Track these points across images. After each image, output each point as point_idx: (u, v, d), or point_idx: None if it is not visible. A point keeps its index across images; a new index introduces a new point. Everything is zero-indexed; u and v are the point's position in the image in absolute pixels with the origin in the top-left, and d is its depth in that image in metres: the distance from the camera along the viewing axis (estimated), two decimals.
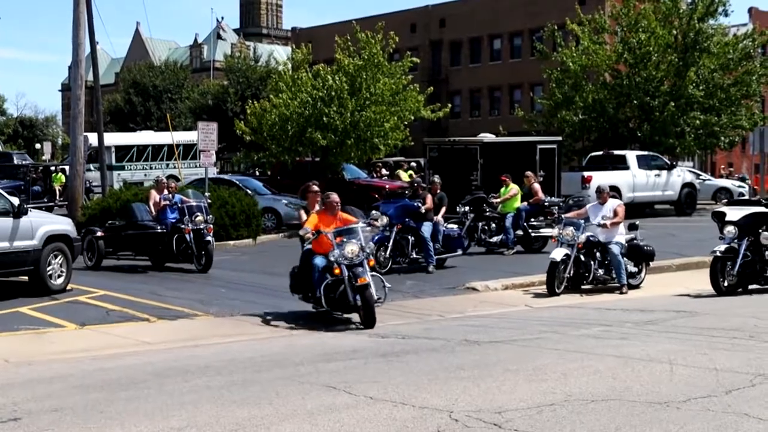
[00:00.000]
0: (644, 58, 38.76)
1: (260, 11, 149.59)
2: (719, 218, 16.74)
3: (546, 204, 23.63)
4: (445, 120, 50.23)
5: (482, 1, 72.29)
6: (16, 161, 48.02)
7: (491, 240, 23.09)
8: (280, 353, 11.39)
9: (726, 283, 16.02)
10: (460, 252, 20.75)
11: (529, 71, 63.64)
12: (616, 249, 16.71)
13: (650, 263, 17.80)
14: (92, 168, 40.69)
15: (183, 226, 20.11)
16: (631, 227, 17.63)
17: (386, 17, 56.07)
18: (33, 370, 10.56)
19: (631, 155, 35.36)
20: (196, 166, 40.47)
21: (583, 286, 16.93)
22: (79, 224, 22.44)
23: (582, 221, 16.82)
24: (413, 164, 38.86)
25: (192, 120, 60.70)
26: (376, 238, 18.91)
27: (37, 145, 74.07)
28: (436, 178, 22.47)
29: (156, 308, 15.28)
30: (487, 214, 23.37)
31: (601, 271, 16.93)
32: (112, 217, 24.73)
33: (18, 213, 16.15)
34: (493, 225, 23.23)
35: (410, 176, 33.38)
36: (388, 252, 19.23)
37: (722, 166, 63.62)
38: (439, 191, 20.99)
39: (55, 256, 16.91)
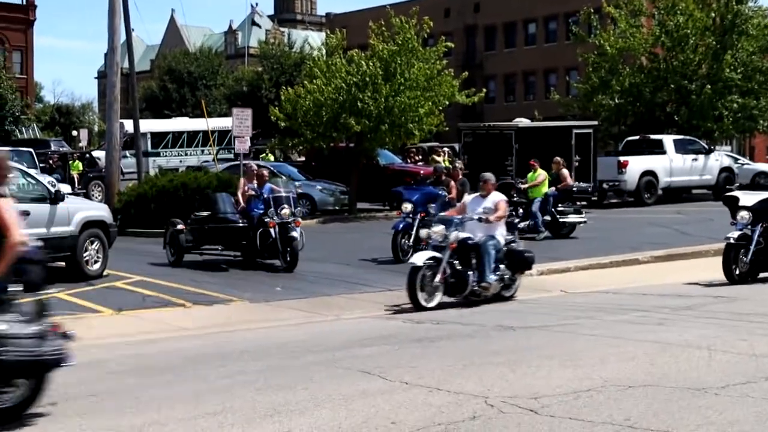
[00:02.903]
0: (681, 41, 38.34)
1: None
2: (731, 203, 15.95)
3: (574, 189, 23.43)
4: (479, 105, 49.87)
5: None
6: (53, 148, 48.35)
7: (519, 226, 22.85)
8: (314, 338, 11.40)
9: (738, 271, 15.26)
10: None
11: (564, 55, 63.14)
12: (490, 244, 14.05)
13: (526, 272, 15.21)
14: (128, 154, 40.91)
15: (267, 219, 18.17)
16: (510, 227, 15.34)
17: (420, 2, 55.71)
18: None
19: (668, 139, 34.99)
20: (230, 151, 40.65)
21: (460, 296, 13.99)
22: (115, 210, 22.58)
23: (456, 218, 14.24)
24: (446, 149, 38.62)
25: (227, 106, 60.80)
26: (401, 225, 18.79)
27: (74, 132, 74.62)
28: (458, 164, 22.30)
29: (191, 294, 15.36)
30: (515, 199, 23.15)
31: (475, 285, 13.97)
32: (147, 203, 24.87)
33: (55, 199, 16.29)
34: (521, 210, 23.01)
35: (450, 162, 33.24)
36: (411, 240, 18.74)
37: None
38: (461, 177, 20.67)
39: (92, 242, 17.03)
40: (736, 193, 16.83)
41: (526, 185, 23.26)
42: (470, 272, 13.86)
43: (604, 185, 32.63)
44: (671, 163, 33.79)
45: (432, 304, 13.52)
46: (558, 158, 24.36)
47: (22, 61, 78.69)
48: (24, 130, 67.70)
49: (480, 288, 13.93)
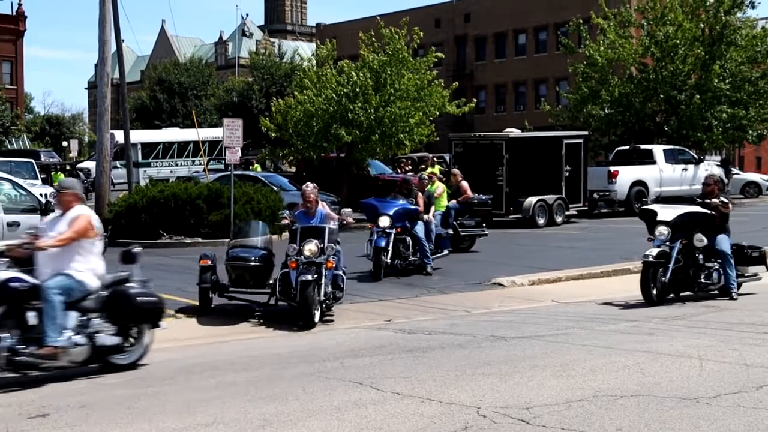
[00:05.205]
0: (671, 51, 38.52)
1: (285, 8, 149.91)
2: (649, 218, 15.03)
3: (475, 202, 22.96)
4: (470, 115, 50.12)
5: None
6: (43, 159, 48.29)
7: None
8: (305, 349, 11.38)
9: (656, 291, 14.37)
10: (446, 252, 19.96)
11: (554, 66, 63.39)
12: (52, 287, 9.58)
13: (160, 325, 10.75)
14: (118, 165, 40.85)
15: (289, 256, 14.14)
16: (127, 258, 10.65)
17: (410, 12, 56.02)
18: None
19: (658, 149, 35.11)
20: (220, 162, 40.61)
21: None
22: (105, 221, 22.50)
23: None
24: (426, 158, 38.50)
25: (217, 117, 60.86)
26: (383, 242, 17.73)
27: (64, 143, 74.54)
28: (424, 175, 21.95)
29: (181, 304, 15.28)
30: None
31: (28, 350, 9.40)
32: (138, 214, 24.76)
33: (45, 210, 16.27)
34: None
35: (440, 171, 33.26)
36: (389, 256, 18.00)
37: None
38: (427, 188, 20.11)
39: None
40: (653, 206, 15.83)
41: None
42: (7, 333, 9.35)
43: (595, 195, 32.72)
44: (661, 173, 33.89)
45: None
46: (456, 170, 24.10)
47: (11, 72, 78.70)
48: (14, 141, 67.63)
49: (34, 358, 9.39)
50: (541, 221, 28.70)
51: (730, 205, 15.33)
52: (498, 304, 15.40)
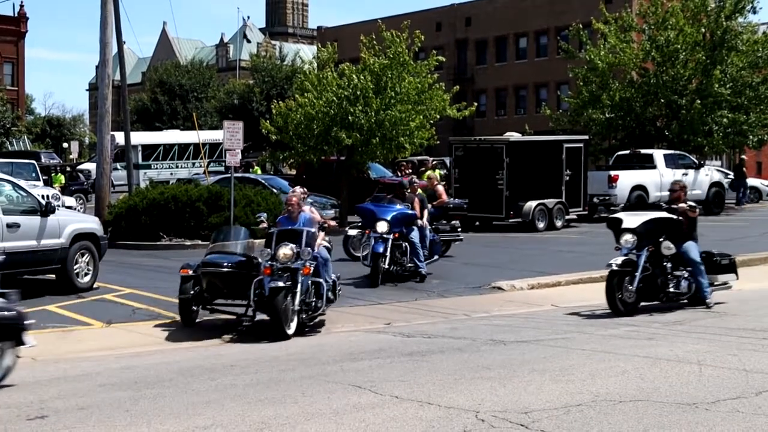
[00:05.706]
0: (672, 56, 38.47)
1: (286, 11, 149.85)
2: (615, 226, 14.65)
3: (450, 206, 22.65)
4: (470, 119, 50.06)
5: None
6: (44, 160, 48.28)
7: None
8: (305, 352, 11.38)
9: (624, 301, 13.90)
10: (436, 257, 19.80)
11: (555, 70, 63.38)
12: None
13: (25, 344, 9.71)
14: (119, 167, 40.85)
15: (262, 263, 13.20)
16: None
17: (411, 16, 56.06)
18: (60, 369, 10.60)
19: (659, 154, 35.10)
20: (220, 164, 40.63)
21: None
22: (105, 223, 22.50)
23: None
24: (426, 161, 38.43)
25: (218, 119, 60.92)
26: (381, 248, 17.54)
27: (65, 145, 74.51)
28: (415, 178, 21.65)
29: (176, 307, 15.29)
30: None
31: None
32: (138, 216, 24.73)
33: (45, 211, 16.26)
34: None
35: (440, 174, 33.23)
36: (387, 261, 17.78)
37: None
38: (419, 191, 19.83)
39: (82, 255, 17.00)
40: (619, 214, 15.38)
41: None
42: None
43: (595, 199, 32.71)
44: (661, 178, 33.84)
45: None
46: (432, 174, 23.93)
47: (13, 73, 78.67)
48: (15, 142, 67.62)
49: None
50: (541, 225, 28.69)
51: (697, 210, 15.11)
52: (497, 308, 15.40)
